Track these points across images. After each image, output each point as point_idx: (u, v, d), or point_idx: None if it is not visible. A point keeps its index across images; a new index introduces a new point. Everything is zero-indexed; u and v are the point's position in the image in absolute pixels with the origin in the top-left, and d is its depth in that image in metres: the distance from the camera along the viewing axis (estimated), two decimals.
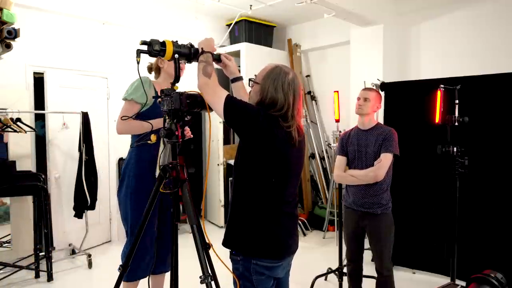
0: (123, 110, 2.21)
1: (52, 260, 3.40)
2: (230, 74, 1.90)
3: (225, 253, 1.64)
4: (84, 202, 3.71)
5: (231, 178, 5.19)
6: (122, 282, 1.92)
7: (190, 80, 2.12)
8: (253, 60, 5.13)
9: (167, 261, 2.32)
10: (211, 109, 1.69)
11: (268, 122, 1.51)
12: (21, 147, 3.65)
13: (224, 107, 1.51)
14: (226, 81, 1.96)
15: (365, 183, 2.48)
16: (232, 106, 1.52)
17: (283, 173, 1.58)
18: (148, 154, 2.21)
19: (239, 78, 1.90)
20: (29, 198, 3.54)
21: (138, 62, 1.65)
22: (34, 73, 3.90)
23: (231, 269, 1.63)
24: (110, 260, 3.88)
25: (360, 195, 2.52)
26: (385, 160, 2.41)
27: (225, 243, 1.63)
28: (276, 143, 1.53)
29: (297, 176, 1.67)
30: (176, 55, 1.70)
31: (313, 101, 5.62)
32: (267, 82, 1.57)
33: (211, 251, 1.67)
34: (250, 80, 1.67)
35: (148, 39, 1.66)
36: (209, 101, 1.59)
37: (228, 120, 1.53)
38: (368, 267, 2.98)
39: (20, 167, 3.54)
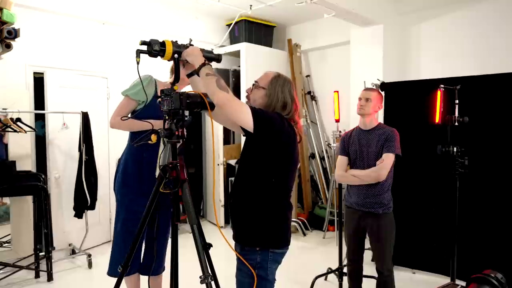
0: (119, 105, 2.23)
1: (52, 260, 3.40)
2: (189, 69, 1.79)
3: (224, 251, 1.64)
4: (84, 202, 3.71)
5: (231, 178, 5.20)
6: (124, 278, 1.93)
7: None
8: (253, 60, 5.13)
9: (152, 265, 2.31)
10: (211, 109, 1.69)
11: (289, 129, 1.68)
12: (21, 147, 3.65)
13: (254, 119, 1.57)
14: (226, 79, 1.96)
15: (367, 183, 2.48)
16: (260, 117, 1.60)
17: (292, 170, 1.75)
18: (138, 155, 2.23)
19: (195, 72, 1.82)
20: (29, 198, 3.54)
21: (138, 62, 1.65)
22: (34, 73, 3.90)
23: (244, 260, 1.67)
24: None
25: (362, 195, 2.52)
26: (387, 160, 2.41)
27: (240, 240, 1.71)
28: (294, 144, 1.70)
29: (296, 170, 1.85)
30: (176, 55, 1.70)
31: (313, 101, 5.62)
32: (276, 87, 1.72)
33: (216, 253, 1.67)
34: (254, 84, 1.78)
35: (148, 39, 1.66)
36: (233, 114, 1.59)
37: (258, 130, 1.59)
38: (368, 267, 2.98)
39: (20, 167, 3.54)
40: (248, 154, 1.73)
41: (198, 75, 1.66)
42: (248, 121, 1.57)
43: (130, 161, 2.27)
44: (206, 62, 1.66)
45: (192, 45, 1.75)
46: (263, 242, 1.66)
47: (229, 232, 1.69)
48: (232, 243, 1.73)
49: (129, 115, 2.23)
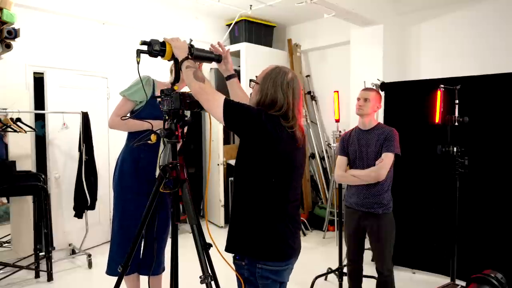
0: (117, 105, 2.25)
1: (52, 260, 3.40)
2: (226, 71, 1.90)
3: (224, 252, 1.64)
4: (84, 202, 3.71)
5: (232, 178, 5.20)
6: (124, 278, 1.94)
7: None
8: (253, 60, 5.13)
9: (152, 265, 2.32)
10: None
11: (271, 124, 1.49)
12: (21, 147, 3.65)
13: (223, 111, 1.47)
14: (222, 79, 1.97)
15: (367, 183, 2.48)
16: (231, 110, 1.48)
17: (287, 174, 1.56)
18: (135, 155, 2.23)
19: (234, 75, 1.91)
20: (29, 198, 3.54)
21: (138, 62, 1.65)
22: (34, 73, 3.90)
23: (234, 269, 1.62)
24: None
25: (362, 195, 2.52)
26: (387, 160, 2.41)
27: (228, 248, 1.61)
28: (280, 144, 1.51)
29: (300, 176, 1.66)
30: None
31: (313, 101, 5.62)
32: (266, 82, 1.56)
33: (215, 253, 1.66)
34: (251, 80, 1.67)
35: (148, 39, 1.66)
36: (206, 106, 1.53)
37: (229, 124, 1.49)
38: (368, 267, 2.98)
39: (20, 167, 3.54)
40: (239, 154, 1.62)
41: (180, 69, 1.64)
42: (218, 113, 1.47)
43: (127, 161, 2.27)
44: (188, 56, 1.64)
45: (192, 45, 1.75)
46: (248, 252, 1.56)
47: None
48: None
49: (128, 115, 2.24)
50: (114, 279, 1.85)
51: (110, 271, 2.29)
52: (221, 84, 5.25)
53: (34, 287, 3.28)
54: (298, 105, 1.59)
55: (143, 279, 2.39)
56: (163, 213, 2.27)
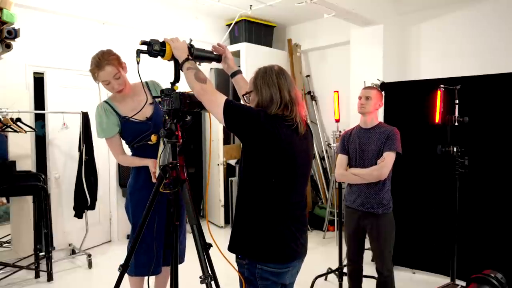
0: (108, 146, 2.28)
1: (52, 260, 3.40)
2: (229, 69, 1.90)
3: (224, 252, 1.64)
4: (84, 202, 3.71)
5: (232, 178, 5.20)
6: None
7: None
8: (253, 60, 5.13)
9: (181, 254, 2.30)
10: None
11: (270, 123, 1.49)
12: (21, 147, 3.65)
13: (224, 112, 1.48)
14: (226, 79, 1.98)
15: (367, 183, 2.48)
16: (232, 110, 1.49)
17: (288, 174, 1.55)
18: (145, 155, 2.22)
19: (238, 71, 1.91)
20: (29, 198, 3.54)
21: (138, 62, 1.65)
22: (34, 73, 3.90)
23: (237, 269, 1.62)
24: (110, 260, 3.88)
25: (362, 195, 2.52)
26: (389, 159, 2.41)
27: (230, 248, 1.62)
28: (280, 144, 1.50)
29: (304, 177, 1.64)
30: None
31: (313, 101, 5.62)
32: (258, 83, 1.57)
33: (215, 253, 1.66)
34: (243, 96, 1.68)
35: (148, 39, 1.66)
36: (208, 106, 1.55)
37: (229, 124, 1.50)
38: (368, 267, 2.98)
39: (20, 167, 3.54)
40: (241, 155, 1.64)
41: (182, 70, 1.65)
42: (219, 113, 1.49)
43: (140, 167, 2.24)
44: (189, 57, 1.64)
45: (192, 45, 1.75)
46: (247, 252, 1.56)
47: (228, 233, 1.67)
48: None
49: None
50: (114, 279, 1.85)
51: (138, 272, 2.20)
52: (222, 84, 5.27)
53: (34, 287, 3.28)
54: (295, 92, 1.59)
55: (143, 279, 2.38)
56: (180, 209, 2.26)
